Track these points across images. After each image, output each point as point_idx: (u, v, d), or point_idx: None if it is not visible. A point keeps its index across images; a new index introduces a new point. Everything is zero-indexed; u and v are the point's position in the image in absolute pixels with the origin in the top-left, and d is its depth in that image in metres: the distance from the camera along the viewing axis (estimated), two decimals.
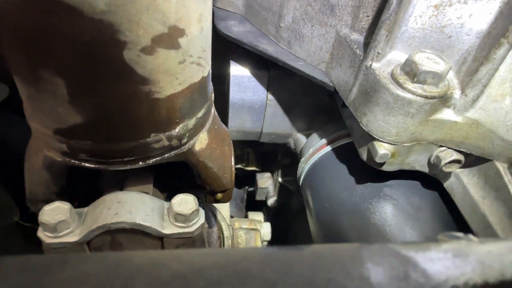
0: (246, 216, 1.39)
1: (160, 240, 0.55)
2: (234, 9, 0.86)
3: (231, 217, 1.54)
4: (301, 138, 0.99)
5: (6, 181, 0.77)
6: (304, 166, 0.87)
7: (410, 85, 0.52)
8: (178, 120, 0.50)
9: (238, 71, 0.88)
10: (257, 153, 1.49)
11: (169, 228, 0.54)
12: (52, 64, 0.38)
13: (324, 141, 0.85)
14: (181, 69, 0.45)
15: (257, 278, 0.17)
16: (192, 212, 0.54)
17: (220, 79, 1.00)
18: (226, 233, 0.93)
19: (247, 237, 0.98)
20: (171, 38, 0.41)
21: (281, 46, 0.77)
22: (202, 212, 0.58)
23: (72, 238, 0.52)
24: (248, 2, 0.82)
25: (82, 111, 0.43)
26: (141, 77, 0.41)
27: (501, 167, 0.57)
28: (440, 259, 0.21)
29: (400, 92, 0.52)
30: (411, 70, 0.52)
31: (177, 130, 0.50)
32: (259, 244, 0.97)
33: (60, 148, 0.48)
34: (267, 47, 0.76)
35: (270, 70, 0.87)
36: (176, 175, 0.68)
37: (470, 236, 0.26)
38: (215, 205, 1.00)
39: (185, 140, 0.52)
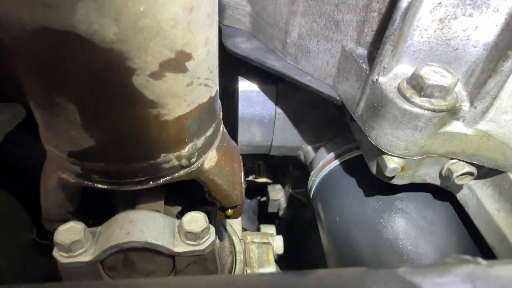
0: (258, 229, 1.39)
1: (172, 258, 0.56)
2: (241, 26, 0.87)
3: (244, 229, 1.54)
4: (311, 150, 0.99)
5: (24, 199, 0.79)
6: (314, 180, 0.87)
7: (417, 99, 0.52)
8: (187, 140, 0.50)
9: (247, 86, 0.89)
10: (268, 165, 1.50)
11: (180, 246, 0.55)
12: (65, 91, 0.40)
13: (333, 154, 0.84)
14: (189, 91, 0.46)
15: None
16: (203, 230, 0.55)
17: (230, 94, 1.01)
18: (238, 247, 0.93)
19: (259, 251, 0.97)
20: (178, 62, 0.42)
21: (288, 62, 0.77)
22: (212, 229, 0.58)
23: (86, 258, 0.53)
24: (254, 19, 0.83)
25: (95, 134, 0.44)
26: (150, 100, 0.42)
27: None
28: (446, 284, 0.21)
29: (407, 106, 0.52)
30: (417, 84, 0.52)
31: (186, 149, 0.51)
32: (271, 258, 0.96)
33: (74, 170, 0.49)
34: (274, 63, 0.77)
35: (278, 84, 0.88)
36: (188, 192, 0.69)
37: (479, 259, 0.26)
38: (227, 220, 1.01)
39: (194, 159, 0.53)
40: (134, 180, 0.50)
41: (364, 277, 0.22)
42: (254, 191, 1.61)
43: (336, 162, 0.82)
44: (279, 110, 0.92)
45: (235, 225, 1.08)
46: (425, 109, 0.51)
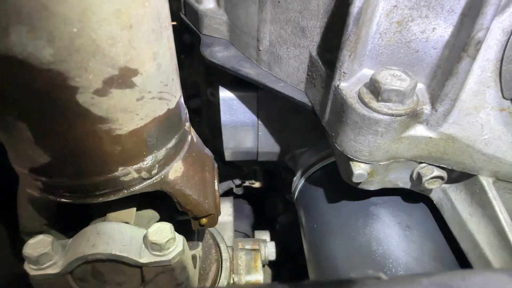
0: (253, 235, 1.39)
1: (140, 268, 0.56)
2: (219, 35, 0.88)
3: (247, 235, 1.54)
4: (297, 155, 0.99)
5: (9, 212, 0.82)
6: (297, 185, 0.86)
7: (375, 104, 0.51)
8: (145, 153, 0.51)
9: (227, 94, 0.89)
10: (264, 170, 1.49)
11: (146, 257, 0.55)
12: (13, 111, 0.42)
13: (314, 159, 0.84)
14: (140, 105, 0.47)
15: None
16: (168, 240, 0.55)
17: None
18: (224, 255, 0.93)
19: (247, 258, 0.97)
20: (123, 78, 0.43)
21: (262, 69, 0.78)
22: (180, 239, 0.58)
23: (54, 270, 0.54)
24: (231, 28, 0.84)
25: (48, 151, 0.46)
26: (98, 116, 0.43)
27: (485, 182, 0.54)
28: None
29: (365, 112, 0.51)
30: (375, 89, 0.51)
31: (145, 162, 0.52)
32: (259, 265, 0.96)
33: (37, 185, 0.51)
34: (249, 71, 0.78)
35: (258, 91, 0.88)
36: (164, 201, 0.70)
37: (381, 274, 0.25)
38: (217, 227, 1.01)
39: (155, 171, 0.54)
40: (95, 194, 0.52)
41: None
42: (253, 196, 1.61)
43: (316, 167, 0.81)
44: (261, 116, 0.92)
45: (226, 232, 1.09)
46: (383, 114, 0.51)
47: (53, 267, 0.55)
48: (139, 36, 0.42)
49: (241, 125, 0.94)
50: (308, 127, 0.94)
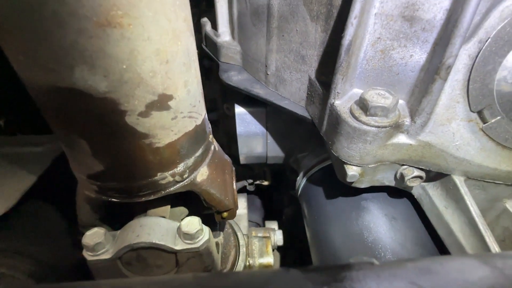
0: (264, 225, 1.39)
1: (174, 254, 0.58)
2: (234, 62, 0.90)
3: (258, 224, 1.55)
4: (300, 158, 1.00)
5: (71, 208, 0.84)
6: (300, 183, 0.87)
7: (364, 118, 0.52)
8: (178, 161, 0.53)
9: (241, 110, 0.91)
10: (272, 171, 1.50)
11: (179, 245, 0.57)
12: (76, 130, 0.44)
13: (314, 162, 0.84)
14: (174, 123, 0.48)
15: None
16: (197, 231, 0.57)
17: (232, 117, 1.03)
18: (241, 242, 0.94)
19: (259, 244, 0.98)
20: (161, 103, 0.44)
21: (270, 89, 0.79)
22: (206, 230, 0.60)
23: (107, 256, 0.56)
24: (244, 56, 0.86)
25: (103, 161, 0.47)
26: (142, 133, 0.45)
27: (458, 180, 0.54)
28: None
29: (356, 124, 0.52)
30: (363, 106, 0.52)
31: (178, 168, 0.53)
32: (269, 249, 0.97)
33: (93, 188, 0.53)
34: (259, 91, 0.79)
35: (267, 107, 0.90)
36: (192, 199, 0.71)
37: (374, 260, 0.26)
38: (234, 219, 1.02)
39: (186, 175, 0.55)
40: (139, 194, 0.53)
41: (271, 278, 0.23)
42: (263, 192, 1.62)
43: (315, 169, 0.82)
44: (269, 127, 0.93)
45: (242, 222, 1.10)
46: (371, 126, 0.51)
47: (105, 254, 0.56)
48: (173, 68, 0.44)
49: (253, 135, 0.95)
50: (308, 135, 0.95)
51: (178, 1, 0.41)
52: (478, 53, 0.46)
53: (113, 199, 0.54)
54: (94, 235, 0.56)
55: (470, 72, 0.48)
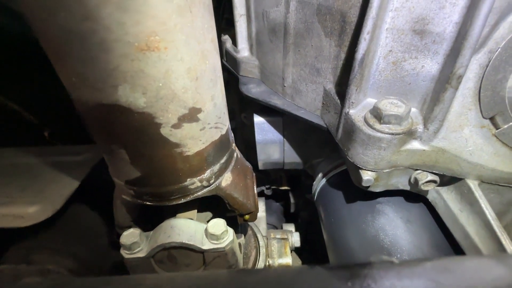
0: (281, 227, 1.39)
1: (202, 253, 0.60)
2: (253, 75, 0.92)
3: (274, 226, 1.55)
4: (315, 164, 1.00)
5: (107, 212, 0.88)
6: (316, 188, 0.87)
7: (378, 126, 0.52)
8: (205, 167, 0.55)
9: (260, 119, 0.93)
10: (287, 176, 1.50)
11: (207, 245, 0.58)
12: (117, 141, 0.46)
13: (329, 167, 0.84)
14: (202, 133, 0.50)
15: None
16: (222, 232, 0.58)
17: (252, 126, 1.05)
18: (261, 243, 0.94)
19: (278, 245, 0.98)
20: (191, 115, 0.47)
21: (287, 100, 0.80)
22: (231, 231, 0.61)
23: (141, 254, 0.58)
24: (262, 70, 0.88)
25: (140, 168, 0.50)
26: (174, 143, 0.47)
27: (472, 184, 0.53)
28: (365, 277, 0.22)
29: (371, 132, 0.52)
30: (377, 114, 0.52)
31: (205, 174, 0.55)
32: (288, 251, 0.97)
33: (130, 193, 0.55)
34: (277, 101, 0.81)
35: (283, 116, 0.91)
36: (217, 203, 0.73)
37: (394, 259, 0.26)
38: (255, 221, 1.03)
39: (213, 180, 0.57)
40: (170, 198, 0.55)
41: (299, 274, 0.24)
42: (279, 196, 1.62)
43: (331, 174, 0.82)
44: (286, 135, 0.94)
45: (261, 224, 1.11)
46: (385, 133, 0.51)
47: (140, 252, 0.59)
48: (202, 84, 0.46)
49: (270, 142, 0.96)
50: (323, 142, 0.95)
51: (206, 25, 0.44)
52: (489, 62, 0.46)
53: (147, 203, 0.56)
54: (130, 235, 0.58)
55: (481, 81, 0.47)
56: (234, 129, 1.42)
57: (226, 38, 1.00)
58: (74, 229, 0.77)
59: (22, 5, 0.35)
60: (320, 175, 0.86)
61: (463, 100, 0.49)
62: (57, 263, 0.72)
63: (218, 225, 0.59)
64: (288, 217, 1.66)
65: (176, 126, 0.46)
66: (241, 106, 1.26)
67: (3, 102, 1.07)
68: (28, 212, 0.65)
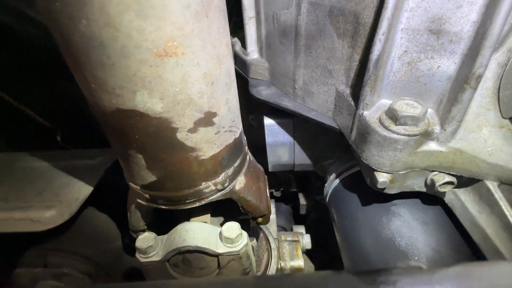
0: (291, 229, 1.39)
1: (216, 256, 0.60)
2: (263, 77, 0.92)
3: (284, 228, 1.54)
4: (326, 166, 0.99)
5: (119, 215, 0.89)
6: (328, 189, 0.87)
7: (394, 127, 0.52)
8: (220, 171, 0.55)
9: (270, 121, 0.93)
10: (296, 178, 1.50)
11: (221, 248, 0.58)
12: (134, 146, 0.47)
13: (342, 168, 0.84)
14: (217, 137, 0.50)
15: None
16: (237, 235, 0.58)
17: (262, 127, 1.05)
18: (273, 245, 0.94)
19: (290, 248, 0.98)
20: (207, 119, 0.47)
21: (298, 102, 0.80)
22: (245, 234, 0.61)
23: (157, 258, 0.58)
24: (271, 72, 0.88)
25: (156, 173, 0.50)
26: (190, 147, 0.48)
27: (491, 185, 0.52)
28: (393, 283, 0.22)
29: (386, 134, 0.52)
30: (393, 116, 0.52)
31: (220, 178, 0.56)
32: (299, 253, 0.96)
33: (145, 197, 0.56)
34: (287, 104, 0.80)
35: (293, 118, 0.91)
36: (230, 206, 0.73)
37: (422, 265, 0.26)
38: None
39: (227, 184, 0.57)
40: (185, 202, 0.56)
41: (326, 280, 0.23)
42: (289, 198, 1.61)
43: (344, 175, 0.81)
44: (296, 137, 0.94)
45: (271, 227, 1.10)
46: (401, 134, 0.51)
47: (155, 256, 0.59)
48: (217, 89, 0.46)
49: (280, 144, 0.96)
50: (334, 144, 0.94)
51: (221, 29, 0.44)
52: (508, 61, 0.45)
53: (162, 207, 0.57)
54: (145, 239, 0.59)
55: (500, 80, 0.47)
56: None
57: (235, 41, 1.00)
58: (88, 233, 0.78)
59: (44, 13, 0.35)
60: (332, 176, 0.85)
61: (481, 100, 0.48)
62: (72, 266, 0.73)
63: (233, 228, 0.59)
64: (297, 219, 1.65)
65: (192, 130, 0.46)
66: (248, 109, 1.26)
67: (17, 106, 1.09)
68: (45, 216, 0.66)
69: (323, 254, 1.37)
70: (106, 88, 0.39)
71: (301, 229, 1.23)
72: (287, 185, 1.49)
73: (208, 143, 0.49)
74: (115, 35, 0.34)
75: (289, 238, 1.04)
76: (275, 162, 1.03)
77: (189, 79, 0.41)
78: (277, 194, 1.51)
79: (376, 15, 0.49)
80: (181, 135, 0.45)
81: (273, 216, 1.13)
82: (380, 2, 0.48)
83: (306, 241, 1.06)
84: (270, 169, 1.09)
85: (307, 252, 1.19)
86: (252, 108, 1.19)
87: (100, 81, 0.39)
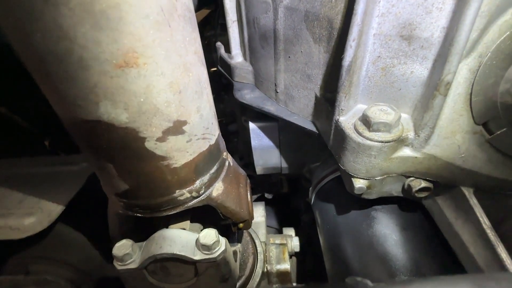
0: (281, 231, 1.38)
1: (194, 264, 0.59)
2: (247, 81, 0.92)
3: (277, 230, 1.54)
4: (313, 168, 0.99)
5: (103, 221, 0.88)
6: (312, 193, 0.86)
7: (367, 134, 0.51)
8: (194, 178, 0.55)
9: (255, 126, 0.92)
10: (288, 179, 1.50)
11: (198, 255, 0.58)
12: (103, 155, 0.46)
13: (325, 172, 0.84)
14: (189, 145, 0.50)
15: None
16: (214, 242, 0.58)
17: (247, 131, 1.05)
18: (259, 249, 0.94)
19: (277, 251, 0.97)
20: (176, 128, 0.46)
21: (280, 105, 0.80)
22: (223, 241, 0.61)
23: (134, 265, 0.58)
24: (255, 76, 0.87)
25: (128, 182, 0.50)
26: (160, 156, 0.47)
27: (466, 191, 0.52)
28: None
29: (360, 140, 0.52)
30: (366, 122, 0.51)
31: (195, 185, 0.55)
32: (286, 256, 0.96)
33: (120, 204, 0.56)
34: (270, 107, 0.80)
35: (278, 121, 0.90)
36: (210, 212, 0.73)
37: (368, 281, 0.25)
38: (252, 226, 1.03)
39: (203, 191, 0.57)
40: (160, 209, 0.55)
41: None
42: (280, 200, 1.61)
43: (327, 179, 0.81)
44: (282, 140, 0.94)
45: (260, 230, 1.10)
46: (374, 141, 0.51)
47: (132, 263, 0.59)
48: (186, 97, 0.46)
49: (267, 148, 0.96)
50: (319, 147, 0.94)
51: (187, 38, 0.43)
52: (479, 67, 0.45)
53: (138, 214, 0.56)
54: (122, 247, 0.59)
55: (472, 86, 0.46)
56: (235, 132, 1.42)
57: (219, 44, 1.00)
58: (71, 240, 0.78)
59: (2, 27, 0.35)
60: (316, 180, 0.85)
61: (454, 106, 0.48)
62: (55, 273, 0.73)
63: (210, 235, 0.59)
64: (290, 220, 1.65)
65: (161, 139, 0.45)
66: (241, 109, 1.26)
67: (4, 112, 1.09)
68: (24, 224, 0.66)
69: (316, 257, 1.37)
70: (68, 100, 0.39)
71: (290, 231, 1.23)
72: (279, 186, 1.49)
73: (179, 152, 0.49)
74: (70, 47, 0.34)
75: (277, 241, 1.03)
76: (263, 165, 1.02)
77: (153, 89, 0.41)
78: (269, 196, 1.50)
79: (346, 21, 0.49)
80: (149, 145, 0.45)
81: (262, 219, 1.13)
82: (349, 8, 0.47)
83: (294, 243, 1.06)
84: (258, 172, 1.09)
85: (299, 255, 1.19)
86: (245, 110, 1.19)
87: (62, 93, 0.38)
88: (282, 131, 0.91)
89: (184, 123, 0.47)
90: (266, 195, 1.51)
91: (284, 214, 1.66)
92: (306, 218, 1.49)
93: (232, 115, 1.40)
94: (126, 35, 0.35)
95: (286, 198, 1.63)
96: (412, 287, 0.23)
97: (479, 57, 0.44)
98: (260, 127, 0.93)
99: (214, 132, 0.57)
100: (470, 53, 0.45)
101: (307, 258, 1.36)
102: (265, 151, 0.96)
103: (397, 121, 0.50)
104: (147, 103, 0.41)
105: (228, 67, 0.93)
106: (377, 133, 0.51)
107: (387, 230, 0.62)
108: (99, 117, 0.40)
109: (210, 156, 0.56)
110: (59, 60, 0.35)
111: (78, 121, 0.41)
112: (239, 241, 0.88)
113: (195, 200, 0.57)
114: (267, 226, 1.20)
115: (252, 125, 0.91)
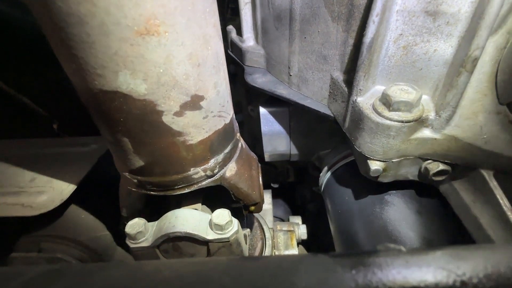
0: (288, 220, 1.38)
1: (206, 244, 0.59)
2: (258, 65, 0.90)
3: (281, 219, 1.54)
4: (322, 155, 0.98)
5: (113, 202, 0.89)
6: (323, 179, 0.86)
7: (387, 113, 0.50)
8: (209, 157, 0.54)
9: (265, 111, 0.91)
10: (295, 169, 1.49)
11: (211, 235, 0.58)
12: (120, 129, 0.46)
13: (337, 158, 0.83)
14: (205, 122, 0.49)
15: (216, 282, 0.20)
16: (227, 222, 0.58)
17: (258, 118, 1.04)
18: (267, 235, 0.94)
19: (284, 237, 0.98)
20: (194, 103, 0.46)
21: (293, 89, 0.79)
22: (235, 222, 0.61)
23: (146, 244, 0.58)
24: (267, 60, 0.86)
25: (143, 158, 0.50)
26: (177, 131, 0.47)
27: (486, 174, 0.51)
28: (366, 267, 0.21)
29: (379, 120, 0.51)
30: (386, 101, 0.50)
31: (209, 164, 0.55)
32: (294, 242, 0.96)
33: (134, 182, 0.55)
34: (283, 91, 0.79)
35: (289, 106, 0.89)
36: (223, 193, 0.73)
37: (401, 247, 0.25)
38: (260, 213, 1.03)
39: (217, 170, 0.57)
40: (174, 188, 0.55)
41: (300, 262, 0.23)
42: (286, 189, 1.61)
43: (338, 165, 0.80)
44: (292, 126, 0.93)
45: (267, 217, 1.10)
46: (394, 121, 0.50)
47: (145, 242, 0.59)
48: (204, 71, 0.45)
49: (276, 134, 0.95)
50: (330, 133, 0.93)
51: (208, 8, 0.42)
52: (506, 44, 0.43)
53: (151, 192, 0.56)
54: (135, 225, 0.59)
55: (498, 64, 0.45)
56: (241, 122, 1.41)
57: (230, 28, 0.98)
58: (82, 219, 0.78)
59: None
60: (327, 166, 0.84)
61: (478, 85, 0.46)
62: (66, 252, 0.74)
63: (223, 215, 0.58)
64: (295, 210, 1.65)
65: (178, 114, 0.45)
66: (247, 99, 1.25)
67: (13, 94, 1.09)
68: (37, 201, 0.66)
69: (321, 246, 1.37)
70: (87, 68, 0.38)
71: (297, 219, 1.23)
72: (285, 176, 1.49)
73: (195, 128, 0.48)
74: (92, 10, 0.33)
75: (284, 228, 1.03)
76: (271, 152, 1.02)
77: (173, 60, 0.40)
78: (275, 185, 1.50)
79: None
80: (167, 119, 0.44)
81: (269, 206, 1.13)
82: None
83: (301, 231, 1.06)
84: (266, 159, 1.08)
85: (305, 244, 1.19)
86: (251, 99, 1.18)
87: (81, 61, 0.38)
88: (293, 117, 0.90)
89: (202, 98, 0.46)
90: (272, 184, 1.50)
91: (289, 205, 1.66)
92: (312, 208, 1.49)
93: (238, 105, 1.39)
94: (148, 0, 0.34)
95: (291, 189, 1.63)
96: (450, 250, 0.23)
97: (508, 34, 0.43)
98: (270, 112, 0.92)
99: (229, 111, 0.56)
100: (498, 29, 0.43)
101: (311, 248, 1.37)
102: (275, 137, 0.95)
103: (418, 101, 0.49)
104: (166, 74, 0.40)
105: (239, 51, 0.92)
106: (397, 112, 0.50)
107: (401, 214, 0.61)
108: (118, 88, 0.40)
109: (225, 135, 0.56)
110: (81, 24, 0.34)
111: (96, 91, 0.41)
112: (249, 226, 0.88)
113: (209, 180, 0.57)
114: (273, 216, 1.20)
115: (262, 110, 0.90)
